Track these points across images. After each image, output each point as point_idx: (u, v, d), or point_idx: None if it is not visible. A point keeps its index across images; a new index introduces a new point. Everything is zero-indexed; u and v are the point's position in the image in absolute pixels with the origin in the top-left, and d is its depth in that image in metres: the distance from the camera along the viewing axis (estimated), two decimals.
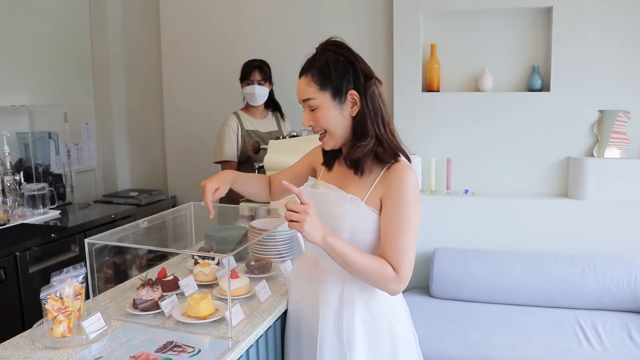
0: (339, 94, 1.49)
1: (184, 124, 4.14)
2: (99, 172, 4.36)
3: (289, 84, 3.41)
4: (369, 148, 1.49)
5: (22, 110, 3.54)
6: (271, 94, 3.33)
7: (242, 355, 1.47)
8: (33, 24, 3.66)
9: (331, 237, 1.42)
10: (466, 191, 3.35)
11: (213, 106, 3.97)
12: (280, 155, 2.58)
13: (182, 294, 1.75)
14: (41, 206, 3.25)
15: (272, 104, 3.39)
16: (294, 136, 2.73)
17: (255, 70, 3.20)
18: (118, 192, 4.21)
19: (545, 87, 3.27)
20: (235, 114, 3.32)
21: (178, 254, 2.16)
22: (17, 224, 2.99)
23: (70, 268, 1.57)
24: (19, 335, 1.52)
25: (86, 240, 1.64)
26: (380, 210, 1.50)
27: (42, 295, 1.45)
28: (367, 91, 1.50)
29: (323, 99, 1.49)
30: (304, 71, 1.53)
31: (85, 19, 4.13)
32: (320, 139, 1.58)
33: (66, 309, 1.47)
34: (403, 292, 3.18)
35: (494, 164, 3.33)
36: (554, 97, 3.22)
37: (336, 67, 1.48)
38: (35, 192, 3.24)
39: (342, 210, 1.51)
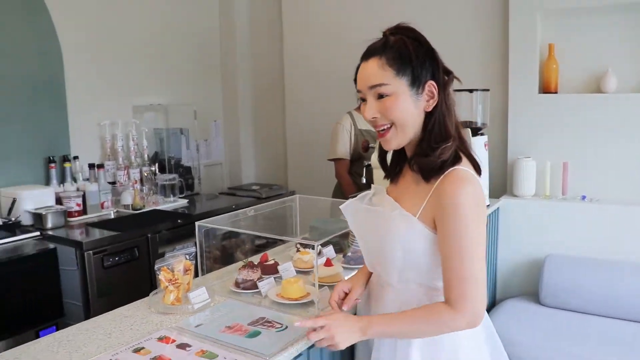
0: (417, 82, 1.30)
1: (304, 122, 4.35)
2: (225, 166, 4.71)
3: None
4: (453, 150, 1.31)
5: (160, 108, 3.94)
6: None
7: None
8: (170, 31, 4.07)
9: (373, 328, 1.30)
10: (583, 197, 3.20)
11: (331, 106, 4.12)
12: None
13: (280, 277, 1.90)
14: (172, 195, 3.61)
15: None
16: None
17: None
18: (242, 186, 4.50)
19: None
20: (349, 113, 3.45)
21: (282, 242, 2.32)
22: (151, 210, 3.35)
23: (182, 246, 1.78)
24: (139, 300, 1.75)
25: (197, 223, 1.84)
26: (436, 229, 1.29)
27: (156, 267, 1.67)
28: (446, 86, 1.33)
29: (398, 86, 1.29)
30: (373, 53, 1.32)
31: (215, 26, 4.50)
32: (380, 136, 1.35)
33: (176, 281, 1.67)
34: (512, 296, 3.12)
35: (615, 170, 3.13)
36: None
37: (417, 52, 1.31)
38: (167, 182, 3.61)
39: (394, 228, 1.34)
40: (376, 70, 1.30)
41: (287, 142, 4.50)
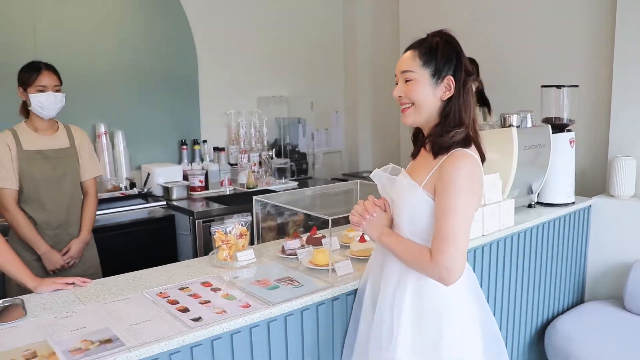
0: (437, 75, 1.58)
1: None
2: (344, 154, 5.09)
3: (500, 80, 3.58)
4: (463, 136, 1.57)
5: (282, 100, 4.43)
6: (480, 89, 3.52)
7: (336, 298, 1.87)
8: (295, 31, 4.53)
9: (386, 237, 1.66)
10: None
11: None
12: None
13: None
14: (283, 177, 4.07)
15: (480, 99, 3.57)
16: None
17: None
18: (356, 172, 4.85)
19: None
20: None
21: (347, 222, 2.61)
22: (262, 189, 3.84)
23: (240, 215, 2.18)
24: (203, 257, 2.20)
25: (254, 197, 2.23)
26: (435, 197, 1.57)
27: (212, 229, 2.09)
28: (465, 84, 1.60)
29: (421, 75, 1.59)
30: (411, 46, 1.64)
31: (339, 26, 4.88)
32: (402, 111, 1.66)
33: (228, 242, 2.08)
34: (599, 298, 3.07)
35: None
36: None
37: (443, 51, 1.59)
38: (280, 166, 4.08)
39: (403, 194, 1.64)
40: (409, 60, 1.62)
41: (400, 134, 4.73)
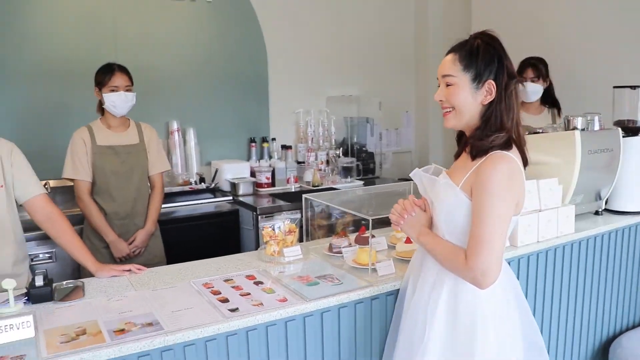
0: (478, 79, 1.57)
1: None
2: (415, 154, 5.06)
3: (571, 80, 3.43)
4: (503, 140, 1.55)
5: (351, 99, 4.47)
6: (550, 90, 3.39)
7: (376, 297, 1.89)
8: (367, 29, 4.56)
9: (424, 236, 1.67)
10: None
11: None
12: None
13: None
14: (349, 176, 4.11)
15: (550, 100, 3.44)
16: (534, 133, 2.82)
17: (529, 68, 3.32)
18: None
19: None
20: None
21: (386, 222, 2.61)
22: (326, 187, 3.89)
23: (290, 212, 2.25)
24: (252, 251, 2.29)
25: (304, 196, 2.30)
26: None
27: (260, 225, 2.17)
28: (507, 87, 1.57)
29: (462, 79, 1.58)
30: (453, 50, 1.63)
31: (410, 29, 4.86)
32: (444, 115, 1.67)
33: (276, 237, 2.15)
34: None
35: None
36: None
37: (484, 55, 1.57)
38: (346, 165, 4.13)
39: (441, 194, 1.63)
40: (449, 64, 1.62)
41: None
